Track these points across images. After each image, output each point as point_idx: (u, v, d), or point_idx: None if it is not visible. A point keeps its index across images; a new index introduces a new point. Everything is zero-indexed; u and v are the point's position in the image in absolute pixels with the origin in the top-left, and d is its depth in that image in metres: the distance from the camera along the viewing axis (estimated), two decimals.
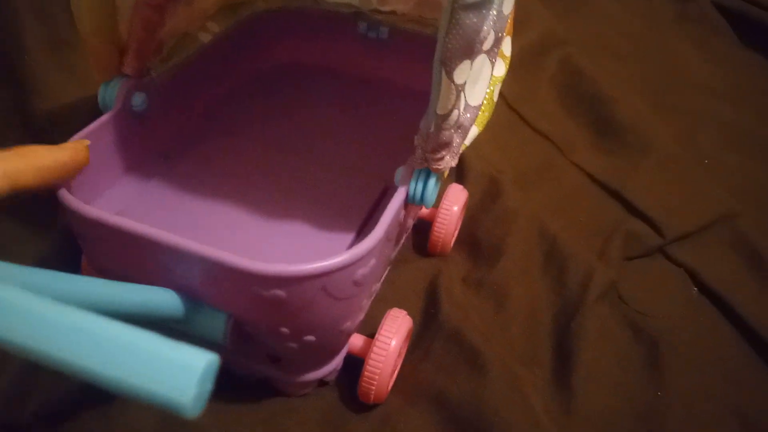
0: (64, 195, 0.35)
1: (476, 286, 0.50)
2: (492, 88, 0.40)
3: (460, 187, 0.52)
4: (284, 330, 0.34)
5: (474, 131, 0.39)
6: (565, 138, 0.64)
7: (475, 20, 0.30)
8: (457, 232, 0.52)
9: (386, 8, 0.53)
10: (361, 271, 0.34)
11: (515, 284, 0.49)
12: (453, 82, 0.32)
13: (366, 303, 0.39)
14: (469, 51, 0.31)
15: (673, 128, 0.67)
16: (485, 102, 0.39)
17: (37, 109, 0.58)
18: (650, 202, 0.57)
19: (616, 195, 0.58)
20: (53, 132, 0.56)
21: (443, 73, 0.32)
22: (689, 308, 0.50)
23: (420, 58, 0.53)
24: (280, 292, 0.32)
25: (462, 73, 0.32)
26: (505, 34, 0.38)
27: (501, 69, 0.42)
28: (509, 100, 0.67)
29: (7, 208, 0.52)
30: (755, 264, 0.53)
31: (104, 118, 0.40)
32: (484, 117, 0.40)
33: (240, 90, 0.53)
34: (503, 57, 0.42)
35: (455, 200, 0.50)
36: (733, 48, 0.81)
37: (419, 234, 0.51)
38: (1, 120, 0.58)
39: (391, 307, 0.42)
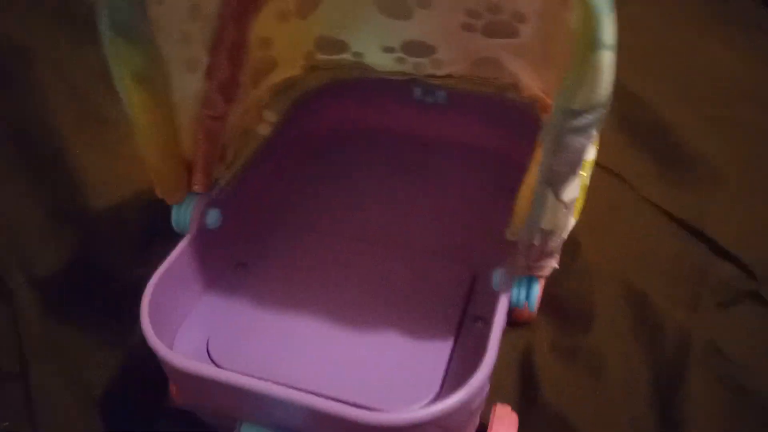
0: (153, 340, 0.34)
1: (569, 355, 0.48)
2: (585, 173, 0.38)
3: None
4: None
5: (571, 223, 0.37)
6: (632, 171, 0.61)
7: (584, 141, 0.28)
8: (540, 296, 0.50)
9: (442, 72, 0.51)
10: (477, 401, 0.32)
11: (609, 350, 0.48)
12: (562, 201, 0.30)
13: (477, 419, 0.37)
14: (577, 169, 0.29)
15: (734, 147, 0.63)
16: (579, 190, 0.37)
17: (85, 204, 0.57)
18: (734, 239, 0.54)
19: (696, 233, 0.56)
20: (107, 232, 0.55)
21: (551, 193, 0.30)
22: None
23: (482, 118, 0.52)
24: None
25: (570, 190, 0.30)
26: None
27: (592, 152, 0.40)
28: None
29: (81, 317, 0.51)
30: None
31: (183, 244, 0.39)
32: (579, 204, 0.38)
33: (303, 172, 0.52)
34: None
35: None
36: None
37: None
38: (50, 219, 0.57)
39: (489, 390, 0.40)
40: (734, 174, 0.60)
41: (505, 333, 0.49)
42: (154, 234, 0.54)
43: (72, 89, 0.68)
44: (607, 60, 0.26)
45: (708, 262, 0.53)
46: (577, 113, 0.27)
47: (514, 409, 0.43)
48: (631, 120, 0.66)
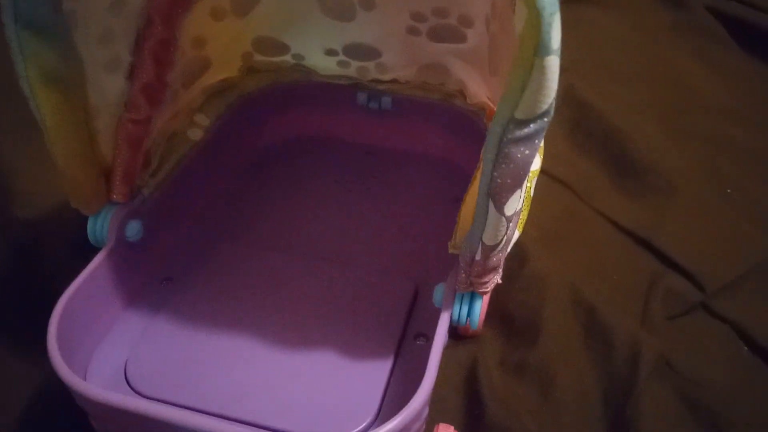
0: (58, 364, 0.31)
1: (517, 370, 0.46)
2: (529, 184, 0.36)
3: None
4: None
5: (515, 236, 0.35)
6: (583, 182, 0.60)
7: (527, 152, 0.26)
8: (486, 307, 0.49)
9: (387, 77, 0.49)
10: (415, 427, 0.30)
11: (558, 365, 0.46)
12: (504, 215, 0.28)
13: None
14: (521, 181, 0.28)
15: (689, 158, 0.63)
16: (524, 201, 0.35)
17: (12, 213, 0.53)
18: (683, 250, 0.53)
19: (645, 244, 0.55)
20: (35, 244, 0.51)
21: (492, 207, 0.28)
22: (741, 370, 0.47)
23: (428, 125, 0.50)
24: None
25: (513, 203, 0.28)
26: None
27: (537, 162, 0.38)
28: None
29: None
30: None
31: (99, 258, 0.36)
32: (523, 216, 0.36)
33: (238, 181, 0.49)
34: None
35: None
36: (733, 57, 0.78)
37: None
38: None
39: (433, 409, 0.38)
40: (686, 186, 0.59)
41: (450, 347, 0.47)
42: (85, 246, 0.50)
43: (5, 91, 0.64)
44: (553, 66, 0.24)
45: (658, 274, 0.52)
46: (520, 122, 0.25)
47: (458, 429, 0.41)
48: (584, 129, 0.66)
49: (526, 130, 0.26)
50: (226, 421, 0.29)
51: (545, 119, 0.26)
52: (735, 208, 0.58)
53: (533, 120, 0.25)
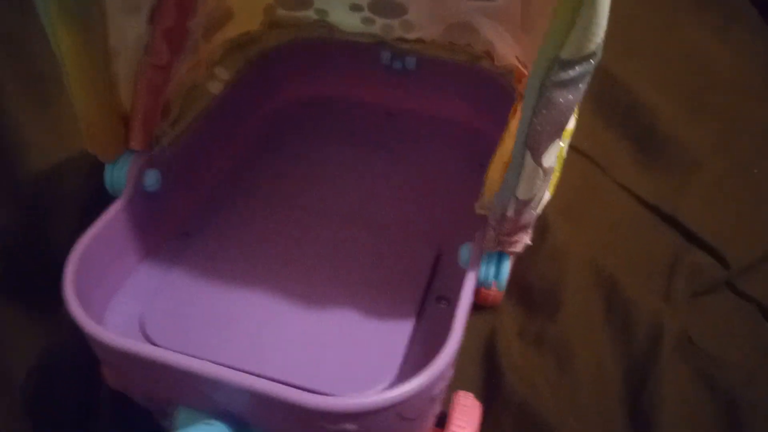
0: (76, 311, 0.30)
1: (536, 342, 0.45)
2: (563, 144, 0.35)
3: None
4: None
5: (546, 197, 0.34)
6: (606, 154, 0.59)
7: (570, 97, 0.25)
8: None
9: (412, 36, 0.47)
10: (439, 386, 0.29)
11: (577, 338, 0.45)
12: (541, 166, 0.27)
13: (439, 406, 0.34)
14: (561, 129, 0.26)
15: (712, 134, 0.61)
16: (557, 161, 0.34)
17: (22, 168, 0.52)
18: (708, 227, 0.52)
19: (669, 219, 0.53)
20: (44, 198, 0.50)
21: (529, 157, 0.26)
22: (764, 350, 0.46)
23: (453, 88, 0.49)
24: (350, 426, 0.27)
25: (551, 154, 0.27)
26: None
27: (572, 121, 0.36)
28: None
29: (9, 292, 0.46)
30: None
31: (116, 207, 0.34)
32: (555, 178, 0.35)
33: (258, 138, 0.48)
34: None
35: None
36: (756, 33, 0.76)
37: None
38: None
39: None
40: (710, 161, 0.58)
41: (469, 317, 0.46)
42: (97, 201, 0.49)
43: (17, 47, 0.63)
44: (604, 0, 0.23)
45: (681, 250, 0.51)
46: (565, 63, 0.24)
47: (477, 397, 0.40)
48: (607, 102, 0.64)
49: (571, 73, 0.24)
50: (244, 373, 0.28)
51: (592, 61, 0.24)
52: (758, 186, 0.57)
53: (579, 62, 0.24)
